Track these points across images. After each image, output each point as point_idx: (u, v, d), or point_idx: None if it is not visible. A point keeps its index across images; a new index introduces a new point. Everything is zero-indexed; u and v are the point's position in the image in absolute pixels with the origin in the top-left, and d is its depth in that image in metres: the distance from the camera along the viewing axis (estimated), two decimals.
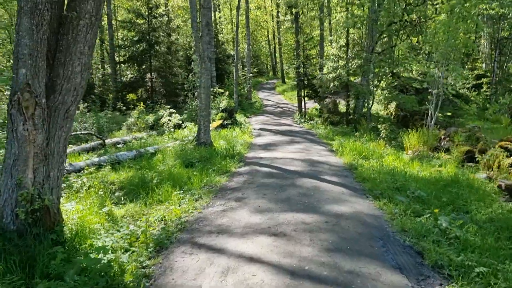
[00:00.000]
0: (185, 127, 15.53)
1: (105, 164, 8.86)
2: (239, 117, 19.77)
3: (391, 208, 5.16)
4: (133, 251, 3.92)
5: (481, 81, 22.67)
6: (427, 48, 10.29)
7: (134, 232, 4.28)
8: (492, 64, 24.39)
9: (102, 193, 6.54)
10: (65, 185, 6.21)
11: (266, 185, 6.62)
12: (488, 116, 17.89)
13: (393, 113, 19.84)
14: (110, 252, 3.57)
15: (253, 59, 44.64)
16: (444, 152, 9.27)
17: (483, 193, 5.95)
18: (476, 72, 25.03)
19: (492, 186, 6.51)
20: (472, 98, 22.39)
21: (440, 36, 9.35)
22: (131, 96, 13.38)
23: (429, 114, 10.22)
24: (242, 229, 4.56)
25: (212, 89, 24.21)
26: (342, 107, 18.68)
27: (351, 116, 15.03)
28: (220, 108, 17.53)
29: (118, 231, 4.32)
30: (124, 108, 15.29)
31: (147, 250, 4.01)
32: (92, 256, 3.35)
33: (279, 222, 4.69)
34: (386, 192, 5.82)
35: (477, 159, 8.03)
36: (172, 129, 15.49)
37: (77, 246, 3.78)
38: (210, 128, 14.80)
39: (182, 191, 6.41)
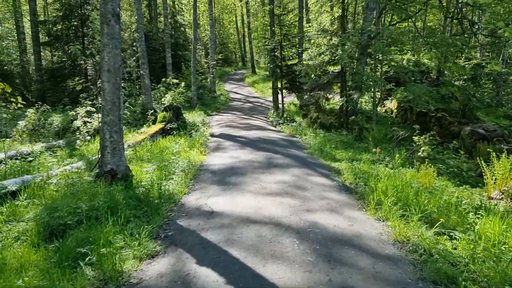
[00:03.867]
0: None
1: None
2: (195, 116, 14.68)
3: None
4: None
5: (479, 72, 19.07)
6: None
7: None
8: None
9: None
10: None
11: None
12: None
13: (394, 111, 15.41)
14: None
15: (219, 46, 39.25)
16: None
17: None
18: (473, 62, 21.41)
19: None
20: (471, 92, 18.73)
21: None
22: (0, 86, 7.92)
23: None
24: None
25: (165, 79, 19.06)
26: (334, 104, 13.98)
27: (353, 117, 10.34)
28: (164, 105, 12.25)
29: None
30: (46, 105, 10.42)
31: None
32: None
33: None
34: None
35: None
36: (89, 137, 10.16)
37: None
38: (144, 137, 9.67)
39: None
